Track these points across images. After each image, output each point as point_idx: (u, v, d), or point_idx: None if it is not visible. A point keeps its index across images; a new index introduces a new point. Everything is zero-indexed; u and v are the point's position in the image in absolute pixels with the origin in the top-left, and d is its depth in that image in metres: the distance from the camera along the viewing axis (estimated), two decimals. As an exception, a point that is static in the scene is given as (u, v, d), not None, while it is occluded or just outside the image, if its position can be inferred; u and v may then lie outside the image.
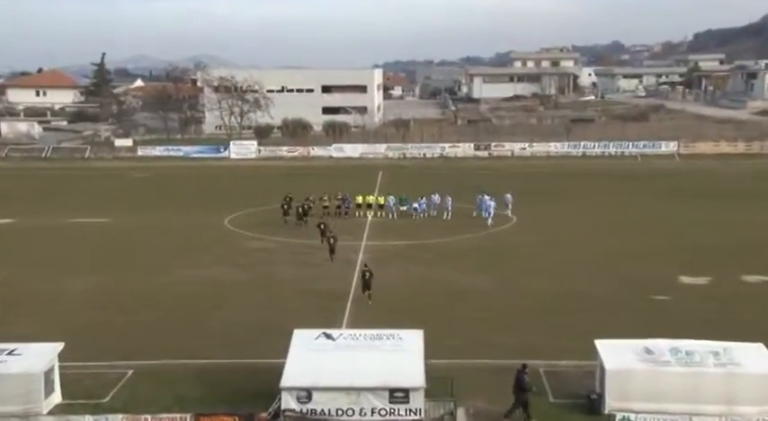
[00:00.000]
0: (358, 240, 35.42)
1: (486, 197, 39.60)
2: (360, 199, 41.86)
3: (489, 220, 38.20)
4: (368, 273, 25.60)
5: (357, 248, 33.66)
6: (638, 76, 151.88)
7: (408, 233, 37.10)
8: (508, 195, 41.07)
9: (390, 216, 41.01)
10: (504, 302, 25.34)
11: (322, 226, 34.90)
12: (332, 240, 31.57)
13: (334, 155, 71.04)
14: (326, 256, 31.12)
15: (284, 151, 71.95)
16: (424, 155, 70.55)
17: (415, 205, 40.90)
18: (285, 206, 39.74)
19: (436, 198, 40.83)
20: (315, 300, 25.80)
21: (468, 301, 25.45)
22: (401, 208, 41.13)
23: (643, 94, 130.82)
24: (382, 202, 41.62)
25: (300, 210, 38.89)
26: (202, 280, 28.63)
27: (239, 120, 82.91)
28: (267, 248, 34.11)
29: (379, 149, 71.23)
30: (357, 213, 41.40)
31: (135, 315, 24.45)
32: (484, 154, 69.91)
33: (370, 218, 40.93)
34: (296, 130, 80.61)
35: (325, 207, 41.24)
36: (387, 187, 49.06)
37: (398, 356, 17.26)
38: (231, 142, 73.83)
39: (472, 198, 41.38)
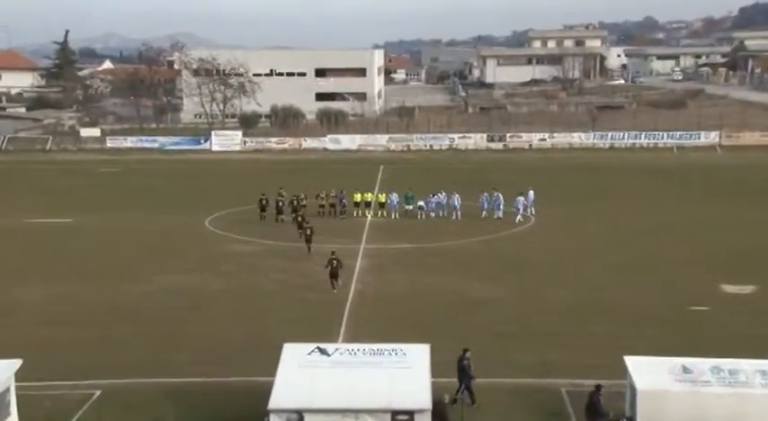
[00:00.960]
0: (356, 243, 35.46)
1: (521, 198, 40.02)
2: (358, 196, 41.94)
3: (518, 217, 39.13)
4: (335, 262, 28.07)
5: (355, 252, 33.69)
6: (675, 57, 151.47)
7: (413, 235, 37.15)
8: (529, 193, 41.05)
9: (393, 216, 41.13)
10: (522, 314, 25.39)
11: (299, 218, 36.31)
12: (309, 231, 33.00)
13: (330, 147, 71.14)
14: (319, 261, 31.22)
15: (273, 143, 72.06)
16: (431, 147, 70.66)
17: (421, 204, 41.01)
18: (264, 201, 40.14)
19: (442, 197, 40.89)
20: (307, 310, 25.87)
21: (481, 313, 25.51)
22: (406, 207, 41.26)
23: (680, 77, 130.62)
24: (383, 201, 41.75)
25: (277, 206, 39.51)
26: (179, 288, 28.70)
27: (222, 107, 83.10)
28: (253, 252, 34.20)
29: (380, 141, 71.38)
30: (355, 213, 41.52)
31: (102, 328, 24.47)
32: (498, 146, 70.01)
33: (369, 218, 41.04)
34: (286, 119, 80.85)
35: (322, 206, 41.42)
36: (389, 183, 49.11)
37: (402, 374, 17.26)
38: (213, 132, 73.97)
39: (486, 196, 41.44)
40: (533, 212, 40.50)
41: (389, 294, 27.56)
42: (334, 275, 28.09)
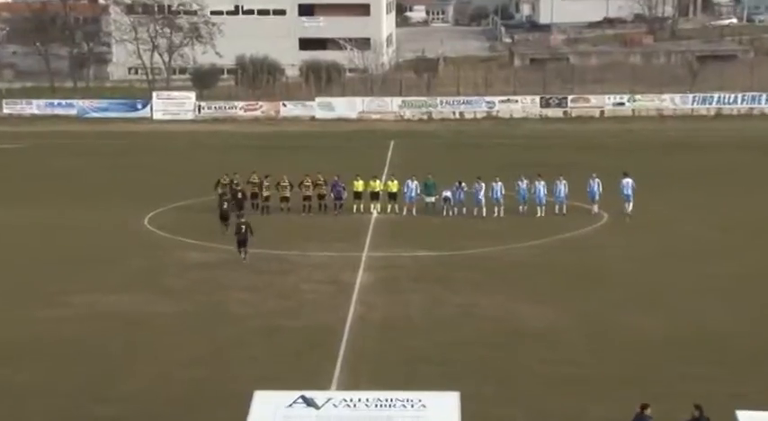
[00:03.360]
0: (356, 249, 35.53)
1: (562, 183, 40.72)
2: (359, 185, 42.04)
3: (594, 208, 40.27)
4: (244, 227, 33.07)
5: (354, 262, 33.77)
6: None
7: (436, 239, 37.18)
8: (595, 181, 41.28)
9: (407, 212, 41.28)
10: (593, 350, 25.39)
11: (226, 205, 38.19)
12: (243, 228, 33.59)
13: (319, 115, 71.36)
14: (304, 275, 31.58)
15: (239, 109, 72.35)
16: (461, 114, 70.77)
17: (447, 194, 41.16)
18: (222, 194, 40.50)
19: (478, 186, 41.03)
20: (287, 343, 25.91)
21: (533, 348, 25.51)
22: (426, 199, 41.39)
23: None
24: (395, 190, 41.85)
25: (236, 198, 40.05)
26: (109, 313, 28.76)
27: (167, 58, 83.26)
28: (212, 262, 34.29)
29: (391, 106, 71.53)
30: (355, 207, 41.63)
31: None
32: (556, 112, 70.10)
33: (375, 214, 41.20)
34: (258, 76, 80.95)
35: (307, 198, 41.70)
36: (402, 166, 49.26)
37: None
38: (154, 94, 74.27)
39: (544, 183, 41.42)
40: (597, 209, 40.57)
41: (402, 321, 27.59)
42: (242, 243, 33.31)
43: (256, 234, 34.12)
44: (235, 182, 41.66)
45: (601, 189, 40.85)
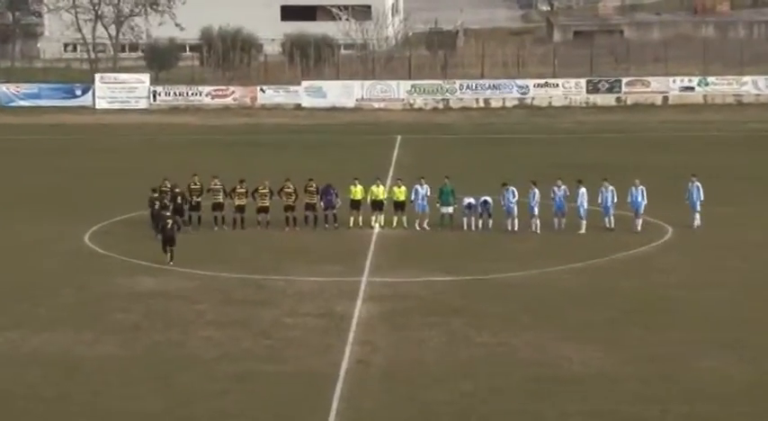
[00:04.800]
0: (353, 273, 35.62)
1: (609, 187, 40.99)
2: (357, 192, 42.19)
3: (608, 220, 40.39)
4: (171, 222, 35.54)
5: (351, 291, 33.77)
6: None
7: (454, 260, 37.26)
8: (638, 188, 41.44)
9: (419, 226, 41.43)
10: (654, 399, 25.21)
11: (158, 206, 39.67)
12: (170, 223, 36.24)
13: (307, 103, 71.30)
14: (287, 306, 31.68)
15: (205, 95, 72.28)
16: (487, 102, 70.63)
17: (470, 201, 41.27)
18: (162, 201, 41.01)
19: (508, 192, 41.16)
20: (266, 395, 25.75)
21: (574, 399, 25.37)
22: (442, 210, 41.58)
23: None
24: (402, 198, 41.99)
25: (175, 203, 40.99)
26: (38, 355, 28.61)
27: (114, 32, 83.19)
28: (170, 291, 34.32)
29: (397, 92, 71.48)
30: (352, 220, 41.82)
31: None
32: (607, 99, 70.00)
33: (377, 228, 41.37)
34: (228, 54, 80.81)
35: (290, 207, 41.90)
36: (411, 168, 49.27)
37: None
38: (97, 77, 74.25)
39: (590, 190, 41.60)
40: (639, 224, 40.60)
41: (412, 367, 27.40)
42: (169, 242, 36.21)
43: (231, 250, 33.94)
44: (176, 187, 42.21)
45: (645, 199, 40.92)
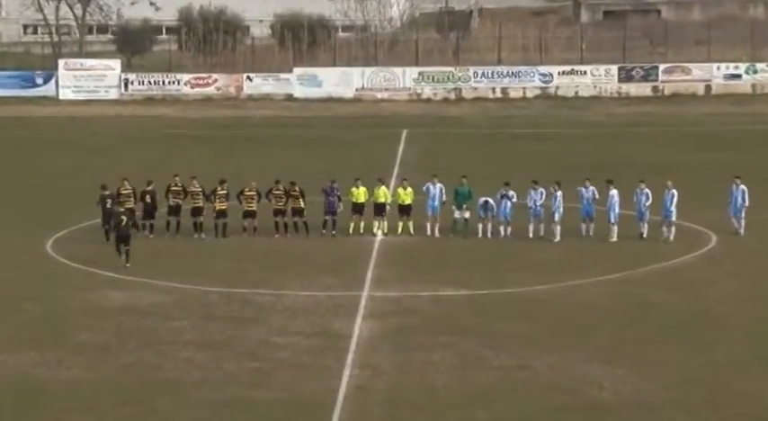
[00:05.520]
0: (352, 287, 35.72)
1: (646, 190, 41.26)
2: (359, 194, 42.46)
3: (612, 234, 40.97)
4: (125, 218, 37.37)
5: (350, 306, 33.80)
6: None
7: (468, 271, 37.40)
8: (671, 192, 41.57)
9: (431, 231, 41.70)
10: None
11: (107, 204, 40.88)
12: (124, 219, 37.09)
13: (300, 93, 71.42)
14: (277, 323, 31.86)
15: (183, 84, 72.37)
16: (505, 92, 70.61)
17: (488, 199, 41.68)
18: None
19: (536, 193, 41.53)
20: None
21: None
22: (455, 214, 41.72)
23: None
24: (409, 201, 42.19)
25: (144, 205, 42.23)
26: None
27: (80, 11, 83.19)
28: (143, 306, 34.32)
29: (403, 80, 71.59)
30: (352, 225, 42.04)
31: None
32: (642, 89, 70.04)
33: (379, 235, 41.61)
34: (210, 37, 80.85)
35: (280, 212, 42.26)
36: (419, 166, 49.36)
37: None
38: (61, 63, 74.27)
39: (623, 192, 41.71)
40: (672, 226, 40.76)
41: (419, 392, 27.27)
42: (122, 240, 37.41)
43: (213, 258, 33.89)
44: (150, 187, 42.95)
45: (675, 204, 40.92)
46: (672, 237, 40.71)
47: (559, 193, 40.98)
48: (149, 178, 43.18)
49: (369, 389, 27.51)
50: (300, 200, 41.91)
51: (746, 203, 40.90)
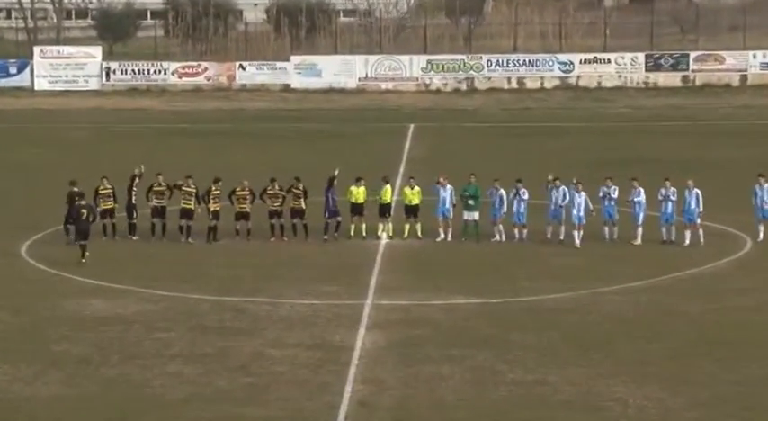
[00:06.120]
0: (355, 295, 35.81)
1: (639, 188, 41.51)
2: (360, 193, 42.59)
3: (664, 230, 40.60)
4: (86, 211, 38.83)
5: (353, 316, 33.88)
6: None
7: (481, 278, 37.47)
8: (693, 191, 41.77)
9: (443, 235, 41.85)
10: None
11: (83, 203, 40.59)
12: (84, 213, 38.70)
13: (298, 83, 71.39)
14: (273, 334, 31.96)
15: (170, 73, 72.33)
16: (521, 82, 70.64)
17: (501, 192, 41.62)
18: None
19: (560, 192, 41.67)
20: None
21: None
22: (467, 215, 41.97)
23: None
24: (416, 202, 42.46)
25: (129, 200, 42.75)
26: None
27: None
28: (127, 315, 34.38)
29: (409, 70, 71.51)
30: (353, 229, 42.41)
31: None
32: (671, 79, 70.05)
33: (384, 238, 41.77)
34: (199, 22, 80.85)
35: (276, 213, 42.37)
36: (427, 163, 49.36)
37: None
38: (37, 50, 74.31)
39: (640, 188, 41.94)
40: (699, 228, 40.96)
41: (428, 410, 27.28)
42: (82, 235, 38.99)
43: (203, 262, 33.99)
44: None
45: (700, 206, 41.05)
46: (702, 240, 40.90)
47: (583, 194, 41.01)
48: (101, 180, 43.29)
49: (373, 406, 27.51)
50: (302, 200, 42.01)
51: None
